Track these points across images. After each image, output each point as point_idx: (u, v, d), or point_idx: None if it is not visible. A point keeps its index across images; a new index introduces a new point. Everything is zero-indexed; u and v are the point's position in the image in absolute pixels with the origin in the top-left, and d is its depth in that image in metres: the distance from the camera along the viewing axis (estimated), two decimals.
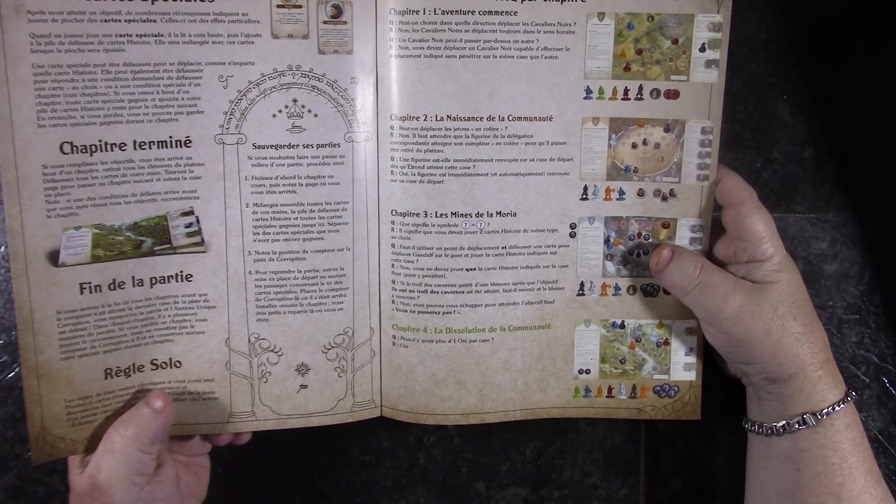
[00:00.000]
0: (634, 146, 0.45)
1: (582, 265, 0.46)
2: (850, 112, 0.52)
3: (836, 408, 0.39)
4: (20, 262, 0.39)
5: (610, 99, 0.44)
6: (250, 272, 0.44)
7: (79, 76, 0.39)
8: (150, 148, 0.42)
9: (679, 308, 0.47)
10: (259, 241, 0.44)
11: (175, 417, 0.43)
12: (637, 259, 0.47)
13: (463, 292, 0.46)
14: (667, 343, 0.48)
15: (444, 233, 0.45)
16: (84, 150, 0.40)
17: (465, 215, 0.45)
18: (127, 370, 0.43)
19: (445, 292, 0.46)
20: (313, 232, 0.44)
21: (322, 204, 0.44)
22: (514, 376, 0.47)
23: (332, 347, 0.45)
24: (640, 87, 0.44)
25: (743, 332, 0.40)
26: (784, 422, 0.40)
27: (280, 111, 0.43)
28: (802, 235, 0.52)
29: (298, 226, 0.44)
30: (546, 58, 0.43)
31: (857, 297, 0.52)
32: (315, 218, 0.44)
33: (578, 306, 0.47)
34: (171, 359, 0.44)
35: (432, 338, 0.46)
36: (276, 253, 0.44)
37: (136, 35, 0.40)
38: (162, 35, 0.40)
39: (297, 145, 0.43)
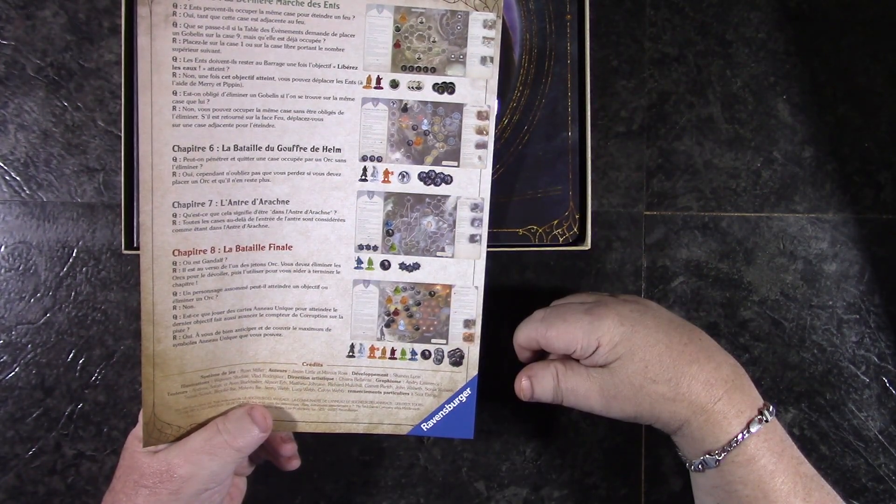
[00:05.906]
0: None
1: None
2: (849, 112, 0.52)
3: (736, 442, 0.38)
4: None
5: None
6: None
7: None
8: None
9: None
10: None
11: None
12: None
13: None
14: None
15: None
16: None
17: None
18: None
19: None
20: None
21: None
22: None
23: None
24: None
25: (620, 412, 0.41)
26: (692, 461, 0.40)
27: None
28: (802, 235, 0.52)
29: None
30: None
31: (857, 297, 0.52)
32: None
33: None
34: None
35: None
36: None
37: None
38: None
39: None
